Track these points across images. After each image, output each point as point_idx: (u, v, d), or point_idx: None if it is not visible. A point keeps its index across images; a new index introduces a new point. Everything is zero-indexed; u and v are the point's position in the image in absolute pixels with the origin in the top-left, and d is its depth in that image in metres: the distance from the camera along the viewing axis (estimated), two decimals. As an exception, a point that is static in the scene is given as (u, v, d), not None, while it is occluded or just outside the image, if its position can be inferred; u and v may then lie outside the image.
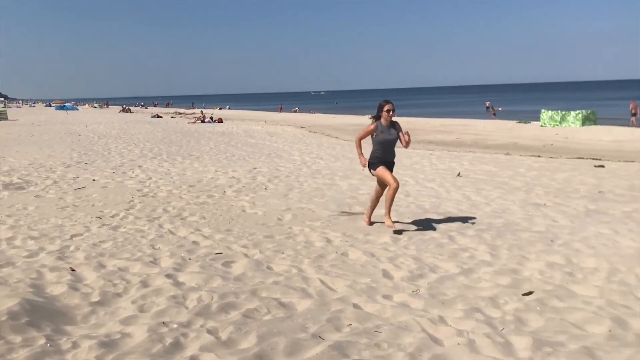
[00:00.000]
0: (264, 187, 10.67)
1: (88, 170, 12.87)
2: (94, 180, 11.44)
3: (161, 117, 51.40)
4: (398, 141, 7.39)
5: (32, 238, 6.58)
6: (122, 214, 8.09)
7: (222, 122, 38.61)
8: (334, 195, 9.86)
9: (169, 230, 7.19)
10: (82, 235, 6.80)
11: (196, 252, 6.08)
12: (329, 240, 6.67)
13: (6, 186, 10.41)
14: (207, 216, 8.06)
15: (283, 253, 6.06)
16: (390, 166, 7.39)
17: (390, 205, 7.20)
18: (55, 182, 11.13)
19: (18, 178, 11.37)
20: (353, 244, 6.45)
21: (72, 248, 6.17)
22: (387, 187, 7.20)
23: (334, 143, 22.79)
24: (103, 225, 7.39)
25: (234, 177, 11.99)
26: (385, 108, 7.17)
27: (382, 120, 7.26)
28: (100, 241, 6.49)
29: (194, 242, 6.53)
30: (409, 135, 7.25)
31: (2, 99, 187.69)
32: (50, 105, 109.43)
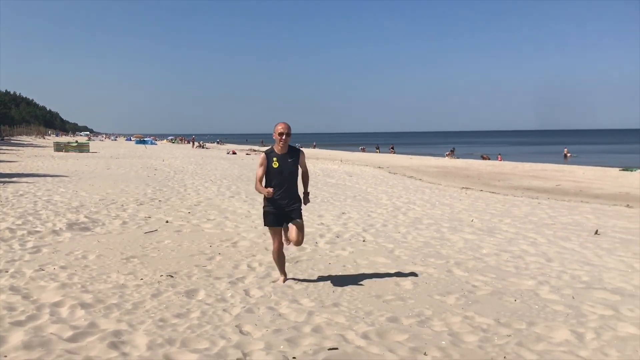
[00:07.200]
0: (362, 239, 8.88)
1: (162, 210, 11.55)
2: (167, 221, 10.04)
3: (236, 153, 51.23)
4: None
5: (83, 306, 5.03)
6: (198, 272, 6.50)
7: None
8: (452, 254, 7.93)
9: (258, 299, 5.50)
10: (146, 304, 5.21)
11: (301, 344, 4.32)
12: (484, 331, 4.74)
13: (70, 226, 9.14)
14: (303, 279, 6.33)
15: (426, 354, 4.19)
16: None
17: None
18: (124, 222, 9.81)
19: (85, 216, 10.13)
20: (521, 343, 4.49)
21: (132, 325, 4.57)
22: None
23: (420, 186, 20.84)
24: (175, 288, 5.79)
25: (322, 224, 10.30)
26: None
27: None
28: (171, 316, 4.87)
29: (296, 324, 4.77)
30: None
31: (88, 132, 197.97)
32: (130, 139, 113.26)
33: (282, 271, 6.27)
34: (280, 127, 5.78)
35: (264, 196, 5.88)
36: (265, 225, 6.03)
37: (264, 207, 5.97)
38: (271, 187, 5.79)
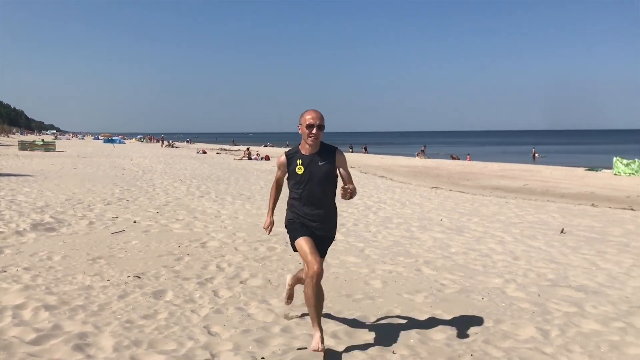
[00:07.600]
0: (333, 239, 8.89)
1: (129, 210, 11.36)
2: (134, 222, 9.89)
3: (206, 152, 50.85)
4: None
5: (47, 308, 4.92)
6: (166, 273, 6.41)
7: (268, 159, 37.33)
8: (421, 253, 8.00)
9: (226, 300, 5.46)
10: (113, 305, 5.12)
11: (269, 344, 4.30)
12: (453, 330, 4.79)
13: (35, 226, 8.93)
14: (272, 279, 6.30)
15: (394, 352, 4.21)
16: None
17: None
18: (91, 222, 9.62)
19: (50, 217, 9.90)
20: (488, 340, 4.55)
21: (98, 327, 4.48)
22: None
23: (391, 185, 20.98)
24: (142, 289, 5.70)
25: (293, 224, 10.27)
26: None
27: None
28: (138, 317, 4.79)
29: (265, 325, 4.75)
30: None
31: (54, 131, 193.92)
32: (98, 138, 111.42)
33: (319, 322, 4.06)
34: (309, 117, 4.02)
35: (288, 208, 4.30)
36: (295, 239, 4.14)
37: (288, 221, 4.27)
38: (296, 201, 4.19)
